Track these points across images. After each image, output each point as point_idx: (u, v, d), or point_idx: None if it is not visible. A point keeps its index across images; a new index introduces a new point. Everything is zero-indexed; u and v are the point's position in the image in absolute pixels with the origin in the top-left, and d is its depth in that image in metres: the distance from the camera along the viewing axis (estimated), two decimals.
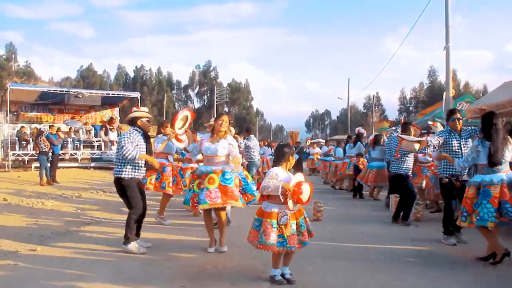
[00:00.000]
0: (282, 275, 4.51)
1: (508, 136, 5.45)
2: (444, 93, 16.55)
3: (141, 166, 5.89)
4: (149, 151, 5.97)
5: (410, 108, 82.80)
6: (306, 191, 4.32)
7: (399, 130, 8.60)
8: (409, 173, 8.07)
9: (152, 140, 6.43)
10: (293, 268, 4.64)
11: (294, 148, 4.76)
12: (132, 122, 5.98)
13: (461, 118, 6.35)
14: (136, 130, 5.92)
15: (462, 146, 6.24)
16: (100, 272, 4.87)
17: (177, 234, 6.90)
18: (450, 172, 6.27)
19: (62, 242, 6.30)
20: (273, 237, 4.27)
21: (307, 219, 4.61)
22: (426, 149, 6.85)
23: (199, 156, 6.44)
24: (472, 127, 6.24)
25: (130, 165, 5.77)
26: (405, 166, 7.93)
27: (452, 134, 6.35)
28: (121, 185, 5.80)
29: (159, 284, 4.44)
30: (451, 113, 6.44)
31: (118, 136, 17.61)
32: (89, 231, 7.10)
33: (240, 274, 4.81)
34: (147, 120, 6.05)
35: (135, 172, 5.82)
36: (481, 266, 5.19)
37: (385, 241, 6.44)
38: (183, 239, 6.53)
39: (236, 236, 6.29)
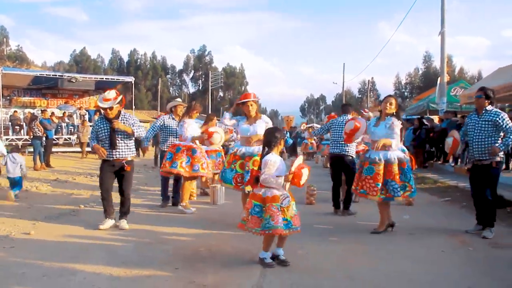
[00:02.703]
0: (276, 256, 4.55)
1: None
2: (439, 78, 16.60)
3: (107, 149, 6.04)
4: (111, 134, 6.03)
5: (405, 93, 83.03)
6: (305, 175, 4.35)
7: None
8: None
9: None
10: (286, 251, 4.67)
11: (285, 132, 4.76)
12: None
13: (481, 96, 5.86)
14: (100, 118, 6.25)
15: (477, 127, 5.85)
16: (94, 254, 4.91)
17: (170, 218, 6.95)
18: (469, 157, 6.13)
19: (56, 225, 6.34)
20: (280, 220, 4.29)
21: None
22: None
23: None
24: (496, 110, 5.87)
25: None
26: (352, 147, 7.54)
27: (473, 115, 6.07)
28: None
29: (153, 267, 4.48)
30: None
31: None
32: (83, 215, 7.13)
33: (233, 257, 4.86)
34: (104, 109, 6.04)
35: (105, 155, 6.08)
36: (471, 249, 5.28)
37: (377, 225, 6.49)
38: (176, 223, 6.54)
39: (230, 219, 6.34)
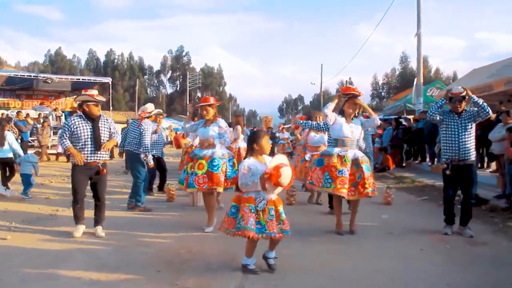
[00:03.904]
0: (265, 258, 4.45)
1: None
2: (415, 79, 16.87)
3: (85, 152, 5.73)
4: (95, 134, 5.79)
5: (383, 93, 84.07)
6: (286, 174, 4.11)
7: None
8: None
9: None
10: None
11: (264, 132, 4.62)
12: (81, 106, 5.96)
13: (461, 99, 5.86)
14: (78, 116, 5.87)
15: (461, 127, 5.86)
16: (73, 258, 4.84)
17: (150, 221, 6.90)
18: (446, 157, 6.03)
19: (34, 229, 6.20)
20: (251, 222, 4.16)
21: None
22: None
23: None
24: (473, 109, 5.90)
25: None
26: None
27: (451, 115, 5.99)
28: None
29: (135, 270, 4.44)
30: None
31: None
32: (61, 219, 6.99)
33: (215, 258, 4.86)
34: (95, 104, 5.85)
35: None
36: (448, 247, 5.38)
37: (357, 224, 6.54)
38: (155, 226, 6.49)
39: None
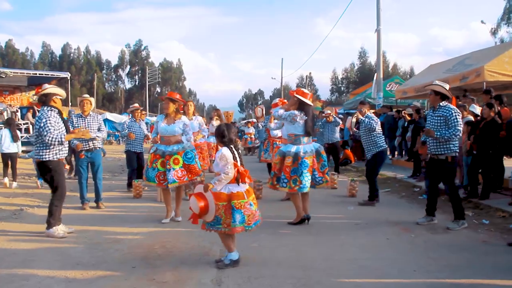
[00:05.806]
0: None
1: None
2: (375, 74, 17.30)
3: (64, 147, 5.67)
4: (68, 129, 5.75)
5: (342, 88, 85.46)
6: (193, 207, 4.31)
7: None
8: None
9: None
10: (239, 245, 4.68)
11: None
12: (45, 100, 5.65)
13: (436, 93, 5.97)
14: (52, 110, 5.63)
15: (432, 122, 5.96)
16: (45, 257, 4.76)
17: (119, 217, 6.85)
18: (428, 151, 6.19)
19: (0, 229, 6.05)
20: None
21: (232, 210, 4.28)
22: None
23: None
24: (449, 106, 5.95)
25: (55, 146, 5.54)
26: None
27: (430, 110, 6.25)
28: (46, 169, 5.59)
29: (110, 267, 4.42)
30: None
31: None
32: (26, 217, 6.84)
33: (188, 253, 4.91)
34: (60, 98, 5.81)
35: (61, 152, 5.64)
36: (413, 235, 5.63)
37: (325, 216, 6.73)
38: (126, 221, 6.47)
39: (181, 216, 6.35)
